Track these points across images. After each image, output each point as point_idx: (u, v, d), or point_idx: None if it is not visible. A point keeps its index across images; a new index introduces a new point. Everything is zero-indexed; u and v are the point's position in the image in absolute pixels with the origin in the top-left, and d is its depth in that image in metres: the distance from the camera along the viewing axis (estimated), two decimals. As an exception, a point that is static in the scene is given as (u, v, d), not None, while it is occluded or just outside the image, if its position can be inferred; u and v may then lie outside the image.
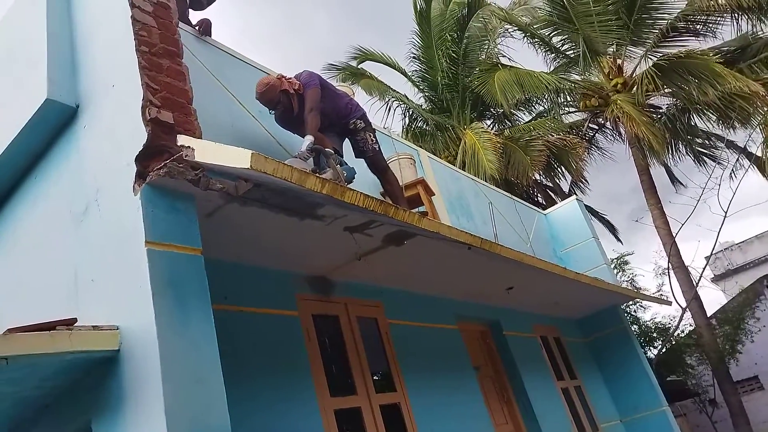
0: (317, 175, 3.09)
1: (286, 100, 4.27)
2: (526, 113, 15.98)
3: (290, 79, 4.34)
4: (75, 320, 2.60)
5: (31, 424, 3.04)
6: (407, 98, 14.91)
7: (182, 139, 2.84)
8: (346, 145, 4.78)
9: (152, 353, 2.39)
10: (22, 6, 3.88)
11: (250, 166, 2.57)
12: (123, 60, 3.04)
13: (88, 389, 2.67)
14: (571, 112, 15.82)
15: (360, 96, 13.41)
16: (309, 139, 3.98)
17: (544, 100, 15.20)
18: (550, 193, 16.57)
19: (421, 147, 10.97)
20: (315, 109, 4.19)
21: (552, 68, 14.76)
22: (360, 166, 4.76)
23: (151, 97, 2.87)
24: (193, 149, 2.75)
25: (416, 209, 5.64)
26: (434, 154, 12.76)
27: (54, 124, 3.41)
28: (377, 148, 4.79)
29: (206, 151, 2.75)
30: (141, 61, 2.94)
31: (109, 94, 3.12)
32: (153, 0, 3.21)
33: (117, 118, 3.03)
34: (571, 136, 14.53)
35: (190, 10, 4.90)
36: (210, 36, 4.61)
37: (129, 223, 2.70)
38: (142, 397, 2.39)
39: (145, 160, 2.74)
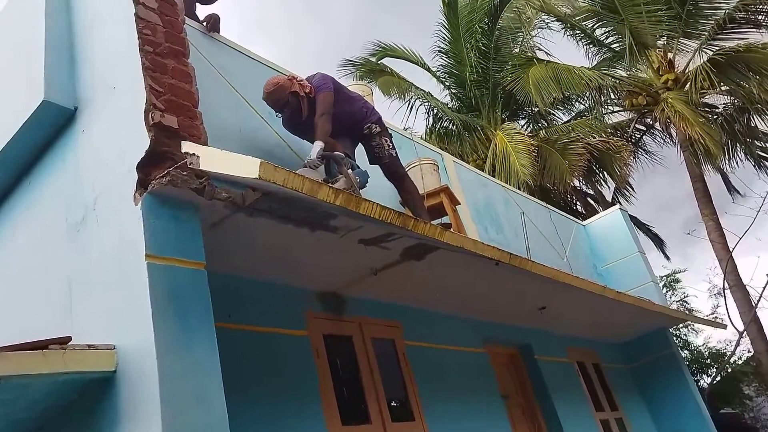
0: (330, 184, 3.16)
1: (295, 103, 4.35)
2: (565, 113, 15.95)
3: (302, 80, 4.42)
4: (69, 339, 2.69)
5: (22, 447, 3.14)
6: (431, 96, 14.92)
7: (187, 146, 2.93)
8: (360, 152, 4.83)
9: (151, 374, 2.47)
10: (19, 2, 4.03)
11: (259, 175, 2.64)
12: (125, 60, 3.15)
13: (82, 412, 2.75)
14: (616, 112, 15.75)
15: (377, 97, 13.48)
16: (319, 145, 4.06)
17: (585, 99, 15.14)
18: (591, 201, 16.46)
19: (446, 149, 11.02)
20: (327, 113, 4.27)
21: (594, 63, 14.70)
22: (375, 172, 4.81)
23: (155, 100, 2.96)
24: (198, 156, 2.84)
25: (439, 220, 5.68)
26: (461, 157, 12.84)
27: (51, 127, 3.54)
28: (394, 154, 4.83)
29: (212, 158, 2.84)
30: (144, 62, 3.04)
31: (110, 96, 3.23)
32: (158, -4, 3.32)
33: (117, 122, 3.13)
34: (615, 138, 14.43)
35: (198, 5, 5.01)
36: (218, 32, 4.72)
37: (128, 235, 2.79)
38: (140, 421, 2.47)
39: (146, 167, 2.84)
